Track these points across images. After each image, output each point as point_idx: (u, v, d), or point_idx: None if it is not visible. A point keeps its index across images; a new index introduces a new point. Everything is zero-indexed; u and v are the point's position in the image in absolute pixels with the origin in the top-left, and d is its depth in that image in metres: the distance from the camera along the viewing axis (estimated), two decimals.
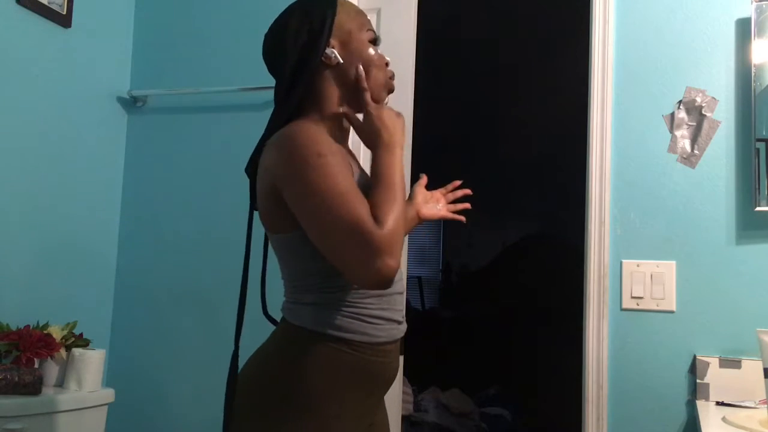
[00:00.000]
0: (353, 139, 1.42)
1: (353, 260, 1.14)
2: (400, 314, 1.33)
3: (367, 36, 1.35)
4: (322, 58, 1.31)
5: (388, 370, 1.30)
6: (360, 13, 1.37)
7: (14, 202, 2.12)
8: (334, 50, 1.31)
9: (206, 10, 2.50)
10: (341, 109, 1.33)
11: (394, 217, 1.16)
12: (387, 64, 1.37)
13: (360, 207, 1.15)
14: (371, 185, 1.23)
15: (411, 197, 1.61)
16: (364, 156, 1.81)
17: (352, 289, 1.24)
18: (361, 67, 1.32)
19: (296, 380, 1.21)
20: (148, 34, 2.56)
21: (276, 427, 1.20)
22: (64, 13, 2.28)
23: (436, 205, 1.63)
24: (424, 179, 1.64)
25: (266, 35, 1.38)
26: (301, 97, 1.32)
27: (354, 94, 1.33)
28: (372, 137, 1.29)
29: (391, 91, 1.39)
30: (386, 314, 1.28)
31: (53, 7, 2.24)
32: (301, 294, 1.28)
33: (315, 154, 1.17)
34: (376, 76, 1.35)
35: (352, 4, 1.39)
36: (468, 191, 1.66)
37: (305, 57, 1.31)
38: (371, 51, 1.34)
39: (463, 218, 1.65)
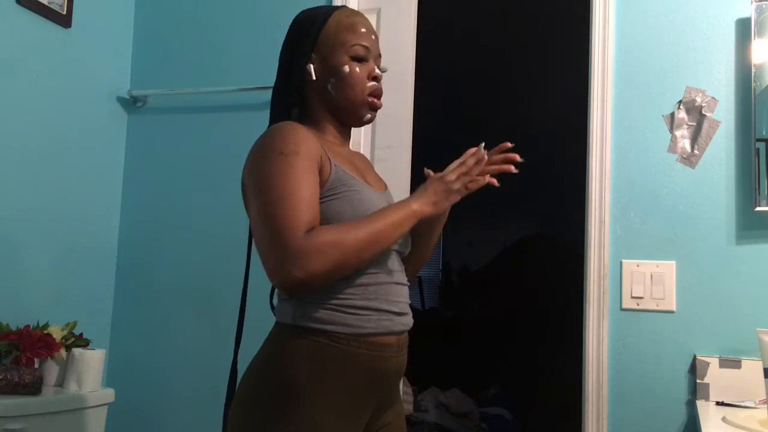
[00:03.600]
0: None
1: (266, 260, 1.18)
2: (398, 305, 1.30)
3: (350, 52, 1.35)
4: (304, 73, 1.36)
5: (388, 365, 1.28)
6: (349, 29, 1.36)
7: (14, 201, 2.12)
8: (312, 66, 1.36)
9: (206, 10, 2.50)
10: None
11: (332, 239, 1.16)
12: (376, 78, 1.36)
13: (295, 212, 1.16)
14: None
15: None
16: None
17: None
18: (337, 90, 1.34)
19: (282, 376, 1.22)
20: (148, 34, 2.56)
21: (266, 423, 1.21)
22: (64, 13, 2.28)
23: None
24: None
25: None
26: (292, 104, 1.39)
27: (335, 109, 1.37)
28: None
29: (374, 108, 1.38)
30: (374, 304, 1.26)
31: (53, 7, 2.24)
32: None
33: (277, 151, 1.21)
34: (348, 95, 1.35)
35: (346, 18, 1.38)
36: (516, 157, 1.36)
37: (287, 69, 1.38)
38: (346, 68, 1.34)
39: (495, 182, 1.34)
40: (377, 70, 1.38)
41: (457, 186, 1.29)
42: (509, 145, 1.38)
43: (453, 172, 1.30)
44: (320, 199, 1.24)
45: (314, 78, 1.36)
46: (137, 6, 2.58)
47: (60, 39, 2.28)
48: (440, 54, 3.39)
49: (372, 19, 2.28)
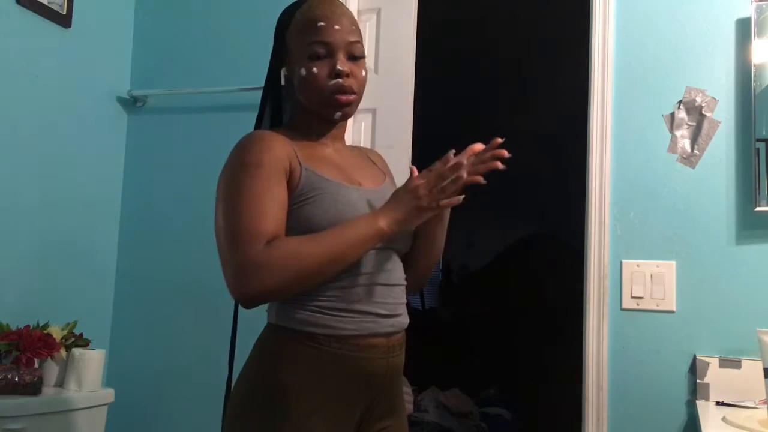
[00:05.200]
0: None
1: (225, 271, 1.19)
2: (386, 307, 1.27)
3: (308, 52, 1.29)
4: (280, 77, 1.35)
5: (375, 366, 1.26)
6: (306, 28, 1.30)
7: (14, 201, 2.12)
8: (283, 70, 1.35)
9: (206, 10, 2.50)
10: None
11: (290, 252, 1.15)
12: (338, 75, 1.27)
13: (254, 224, 1.15)
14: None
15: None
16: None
17: None
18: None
19: (268, 377, 1.23)
20: (148, 34, 2.56)
21: (254, 426, 1.21)
22: (64, 13, 2.28)
23: None
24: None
25: None
26: (273, 107, 1.39)
27: (309, 110, 1.34)
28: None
29: (339, 105, 1.29)
30: (356, 306, 1.24)
31: (53, 7, 2.23)
32: None
33: (239, 163, 1.22)
34: (310, 97, 1.31)
35: (302, 16, 1.32)
36: (503, 153, 1.26)
37: (269, 73, 1.38)
38: (303, 71, 1.29)
39: (481, 180, 1.25)
40: (339, 66, 1.27)
41: (428, 203, 1.21)
42: (499, 141, 1.28)
43: (425, 185, 1.21)
44: (291, 205, 1.23)
45: (283, 83, 1.34)
46: (137, 6, 2.58)
47: (60, 39, 2.28)
48: (440, 54, 3.39)
49: (372, 20, 2.28)
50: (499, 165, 1.25)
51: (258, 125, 1.38)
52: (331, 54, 1.29)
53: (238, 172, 1.21)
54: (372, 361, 1.26)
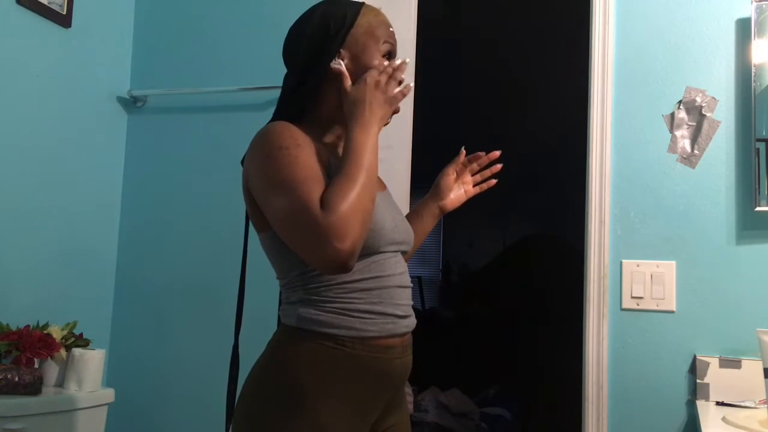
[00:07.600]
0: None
1: (304, 247, 1.15)
2: (401, 308, 1.30)
3: (382, 50, 1.35)
4: (330, 67, 1.31)
5: (392, 367, 1.28)
6: (380, 26, 1.35)
7: (14, 202, 2.12)
8: (341, 62, 1.32)
9: (206, 10, 2.50)
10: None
11: (348, 201, 1.13)
12: (400, 82, 1.32)
13: (312, 194, 1.14)
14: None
15: (435, 190, 1.59)
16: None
17: (336, 285, 1.24)
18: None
19: (289, 380, 1.22)
20: (148, 34, 2.56)
21: (271, 427, 1.20)
22: (64, 13, 2.28)
23: (460, 187, 1.61)
24: (461, 156, 1.60)
25: (289, 29, 1.40)
26: (305, 99, 1.35)
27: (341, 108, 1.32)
28: (349, 113, 1.27)
29: (394, 111, 1.33)
30: (378, 308, 1.26)
31: (53, 7, 2.24)
32: (289, 293, 1.29)
33: (276, 147, 1.20)
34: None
35: (375, 17, 1.36)
36: (495, 155, 1.60)
37: (313, 64, 1.33)
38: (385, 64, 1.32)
39: (493, 182, 1.62)
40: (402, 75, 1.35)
41: (391, 94, 1.29)
42: (497, 154, 1.59)
43: (382, 75, 1.29)
44: None
45: (345, 74, 1.31)
46: (137, 6, 2.58)
47: (60, 39, 2.28)
48: (440, 54, 3.39)
49: None
50: (493, 182, 1.62)
51: (283, 117, 1.33)
52: (392, 57, 1.38)
53: (279, 155, 1.19)
54: (389, 362, 1.27)
